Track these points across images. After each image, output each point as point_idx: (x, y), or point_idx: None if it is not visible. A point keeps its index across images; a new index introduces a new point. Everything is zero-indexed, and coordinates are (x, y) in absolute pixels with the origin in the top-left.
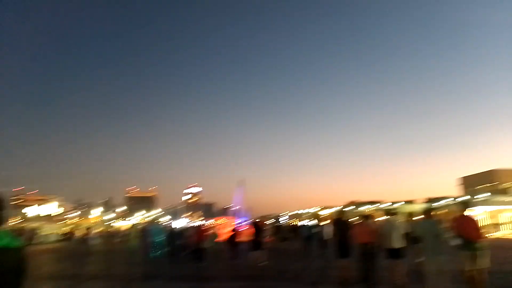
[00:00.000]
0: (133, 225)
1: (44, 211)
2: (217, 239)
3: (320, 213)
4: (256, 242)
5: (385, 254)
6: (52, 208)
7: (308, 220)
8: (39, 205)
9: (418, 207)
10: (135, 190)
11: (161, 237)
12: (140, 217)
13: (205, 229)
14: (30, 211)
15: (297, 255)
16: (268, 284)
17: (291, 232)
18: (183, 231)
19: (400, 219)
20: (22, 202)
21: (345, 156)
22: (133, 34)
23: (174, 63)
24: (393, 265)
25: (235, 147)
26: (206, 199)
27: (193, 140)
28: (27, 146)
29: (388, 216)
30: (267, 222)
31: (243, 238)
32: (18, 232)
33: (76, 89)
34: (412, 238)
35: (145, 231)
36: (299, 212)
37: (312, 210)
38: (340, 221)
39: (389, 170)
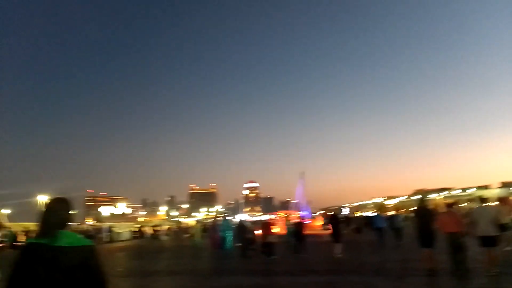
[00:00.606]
0: (198, 221)
1: (115, 211)
2: (283, 233)
3: (385, 203)
4: (333, 235)
5: (478, 242)
6: (122, 207)
7: (373, 211)
8: (110, 205)
9: (493, 192)
10: (196, 187)
11: (230, 232)
12: (204, 213)
13: (272, 223)
14: (103, 211)
15: (372, 247)
16: (351, 278)
17: (363, 224)
18: (251, 225)
19: (491, 205)
20: (94, 203)
21: (407, 143)
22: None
23: (231, 63)
24: (487, 253)
25: (293, 140)
26: (265, 194)
27: (251, 135)
28: (95, 151)
29: (480, 203)
30: (339, 214)
31: (309, 231)
32: (93, 231)
33: (137, 93)
34: (500, 225)
35: (214, 226)
36: (363, 203)
37: (375, 201)
38: (422, 209)
39: (454, 155)
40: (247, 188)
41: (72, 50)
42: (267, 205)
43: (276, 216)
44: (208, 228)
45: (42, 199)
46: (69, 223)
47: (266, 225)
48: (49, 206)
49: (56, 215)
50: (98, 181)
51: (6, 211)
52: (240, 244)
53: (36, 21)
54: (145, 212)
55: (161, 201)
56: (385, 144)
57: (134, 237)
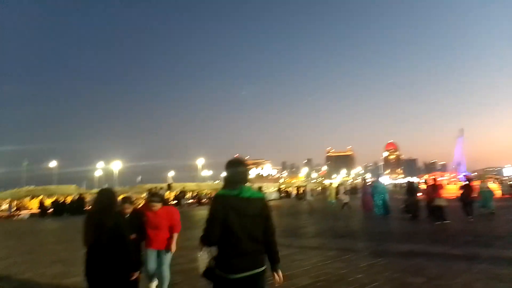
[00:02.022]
0: (341, 183)
1: (261, 172)
2: (447, 196)
3: None
4: None
5: None
6: (268, 169)
7: None
8: (256, 168)
9: None
10: (332, 150)
11: (385, 195)
12: (342, 175)
13: (441, 185)
14: (251, 172)
15: None
16: None
17: None
18: (416, 187)
19: None
20: None
21: None
22: None
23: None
24: None
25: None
26: (406, 155)
27: (388, 94)
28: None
29: None
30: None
31: (474, 194)
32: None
33: (280, 62)
34: None
35: (365, 188)
36: None
37: None
38: None
39: None
40: (387, 150)
41: None
42: (409, 167)
43: (424, 179)
44: (358, 190)
45: (200, 162)
46: (247, 180)
47: (433, 187)
48: (233, 164)
49: (239, 172)
50: (243, 145)
51: (171, 174)
52: (405, 207)
53: None
54: (287, 173)
55: (299, 164)
56: None
57: (282, 197)
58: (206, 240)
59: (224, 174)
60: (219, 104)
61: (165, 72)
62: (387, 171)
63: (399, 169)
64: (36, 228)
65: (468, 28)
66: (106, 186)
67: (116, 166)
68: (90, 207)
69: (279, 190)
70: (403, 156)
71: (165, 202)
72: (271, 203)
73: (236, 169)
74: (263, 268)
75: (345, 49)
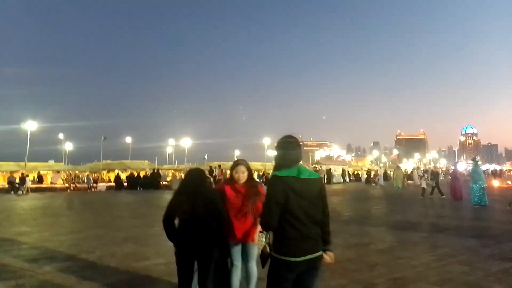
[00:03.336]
0: (417, 167)
1: (330, 154)
2: None
3: None
4: None
5: None
6: (336, 151)
7: None
8: (324, 150)
9: None
10: (402, 134)
11: (483, 182)
12: (415, 159)
13: None
14: (317, 154)
15: None
16: None
17: None
18: None
19: None
20: (304, 146)
21: None
22: None
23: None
24: None
25: None
26: (485, 140)
27: (465, 74)
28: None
29: None
30: None
31: None
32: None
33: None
34: None
35: (455, 173)
36: None
37: None
38: None
39: None
40: (464, 134)
41: None
42: (489, 153)
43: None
44: (440, 175)
45: (266, 141)
46: (300, 160)
47: None
48: (287, 143)
49: (294, 151)
50: (307, 127)
51: (237, 152)
52: None
53: None
54: (354, 155)
55: (365, 146)
56: None
57: (351, 180)
58: (265, 225)
59: (275, 153)
60: (285, 85)
61: (234, 52)
62: (463, 157)
63: (477, 155)
64: (111, 200)
65: None
66: (193, 166)
67: (186, 143)
68: (179, 187)
69: (348, 173)
70: (482, 141)
71: (250, 173)
72: (340, 186)
73: (291, 148)
74: (321, 252)
75: (420, 29)
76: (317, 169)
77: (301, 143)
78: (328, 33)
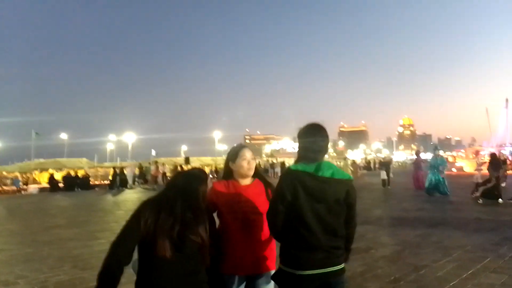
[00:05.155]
0: (361, 159)
1: (282, 147)
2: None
3: None
4: None
5: None
6: (286, 143)
7: None
8: (276, 142)
9: None
10: (345, 126)
11: (441, 171)
12: (359, 150)
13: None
14: (267, 147)
15: None
16: None
17: None
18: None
19: None
20: (250, 141)
21: None
22: None
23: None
24: None
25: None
26: (421, 131)
27: (401, 68)
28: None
29: None
30: None
31: None
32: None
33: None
34: None
35: (418, 163)
36: None
37: None
38: None
39: None
40: (402, 125)
41: None
42: (424, 143)
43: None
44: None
45: (217, 135)
46: (325, 153)
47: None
48: (311, 131)
49: (318, 141)
50: (255, 122)
51: (184, 147)
52: (488, 188)
53: None
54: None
55: None
56: None
57: None
58: (271, 228)
59: (297, 144)
60: (233, 77)
61: (180, 41)
62: (401, 147)
63: (413, 145)
64: (44, 205)
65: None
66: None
67: (129, 138)
68: (157, 195)
69: None
70: (417, 131)
71: (257, 166)
72: None
73: (311, 135)
74: (340, 267)
75: (360, 22)
76: (272, 162)
77: (326, 133)
78: (267, 24)
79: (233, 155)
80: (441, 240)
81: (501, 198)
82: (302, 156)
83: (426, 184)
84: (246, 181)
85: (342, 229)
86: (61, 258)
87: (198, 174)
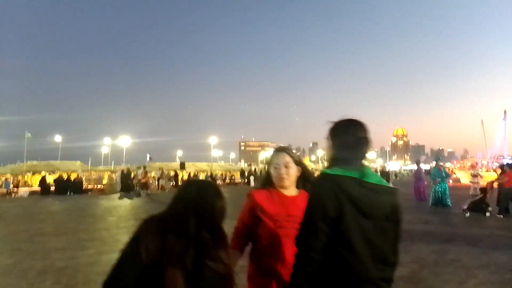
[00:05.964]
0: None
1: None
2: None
3: None
4: None
5: None
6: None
7: None
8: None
9: None
10: None
11: (443, 183)
12: None
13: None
14: (262, 154)
15: None
16: None
17: None
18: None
19: None
20: (245, 147)
21: None
22: None
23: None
24: None
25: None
26: (414, 141)
27: (396, 79)
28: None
29: None
30: None
31: None
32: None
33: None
34: None
35: (419, 173)
36: None
37: None
38: None
39: None
40: (395, 136)
41: None
42: (417, 153)
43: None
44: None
45: (212, 141)
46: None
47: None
48: (351, 127)
49: (362, 141)
50: (250, 128)
51: (179, 153)
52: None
53: None
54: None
55: (305, 147)
56: None
57: None
58: (304, 256)
59: (329, 142)
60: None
61: (177, 47)
62: (394, 157)
63: (406, 155)
64: (33, 209)
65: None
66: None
67: (124, 142)
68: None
69: None
70: (410, 142)
71: (305, 169)
72: None
73: (354, 133)
74: None
75: (356, 33)
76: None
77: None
78: (263, 32)
79: (269, 160)
80: (459, 257)
81: (489, 212)
82: (340, 158)
83: (432, 196)
84: (291, 191)
85: (392, 255)
86: (44, 272)
87: (213, 185)
